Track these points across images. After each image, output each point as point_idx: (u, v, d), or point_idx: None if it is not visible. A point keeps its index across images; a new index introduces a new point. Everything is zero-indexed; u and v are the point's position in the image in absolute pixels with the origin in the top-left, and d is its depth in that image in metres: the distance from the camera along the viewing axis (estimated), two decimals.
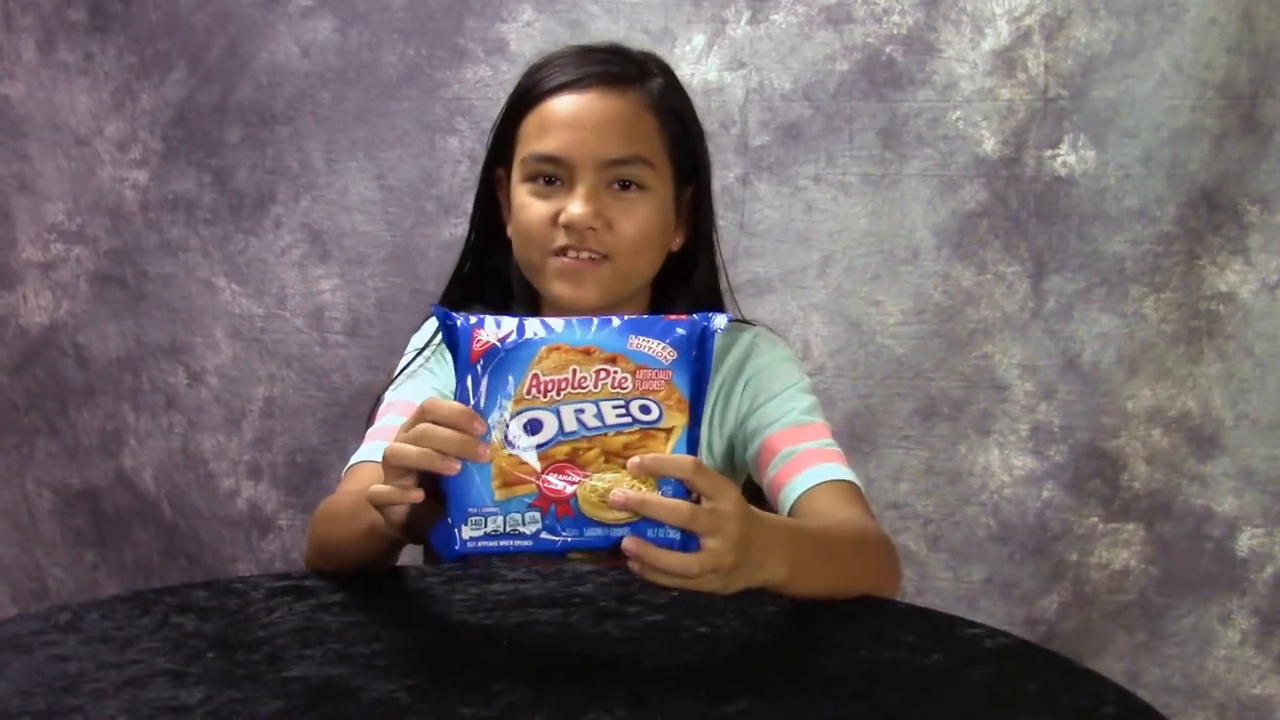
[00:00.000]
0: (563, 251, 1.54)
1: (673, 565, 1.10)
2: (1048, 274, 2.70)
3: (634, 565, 1.10)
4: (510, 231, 1.62)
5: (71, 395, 3.28)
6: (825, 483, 1.52)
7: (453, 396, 1.63)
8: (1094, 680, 1.11)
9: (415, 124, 3.00)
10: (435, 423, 1.13)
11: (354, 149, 3.05)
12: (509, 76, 2.91)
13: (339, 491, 1.53)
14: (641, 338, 1.14)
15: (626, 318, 1.17)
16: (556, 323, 1.15)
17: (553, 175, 1.55)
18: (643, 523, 1.09)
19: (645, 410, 1.12)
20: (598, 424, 1.11)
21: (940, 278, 2.75)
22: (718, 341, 1.67)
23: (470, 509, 1.09)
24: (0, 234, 3.24)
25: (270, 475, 3.20)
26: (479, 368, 1.13)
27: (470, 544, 1.09)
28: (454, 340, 1.16)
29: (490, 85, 2.93)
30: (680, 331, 1.17)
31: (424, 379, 1.64)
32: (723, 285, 1.70)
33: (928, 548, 2.81)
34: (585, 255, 1.53)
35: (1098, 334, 2.68)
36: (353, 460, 1.58)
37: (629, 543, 1.09)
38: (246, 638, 1.21)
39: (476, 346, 1.13)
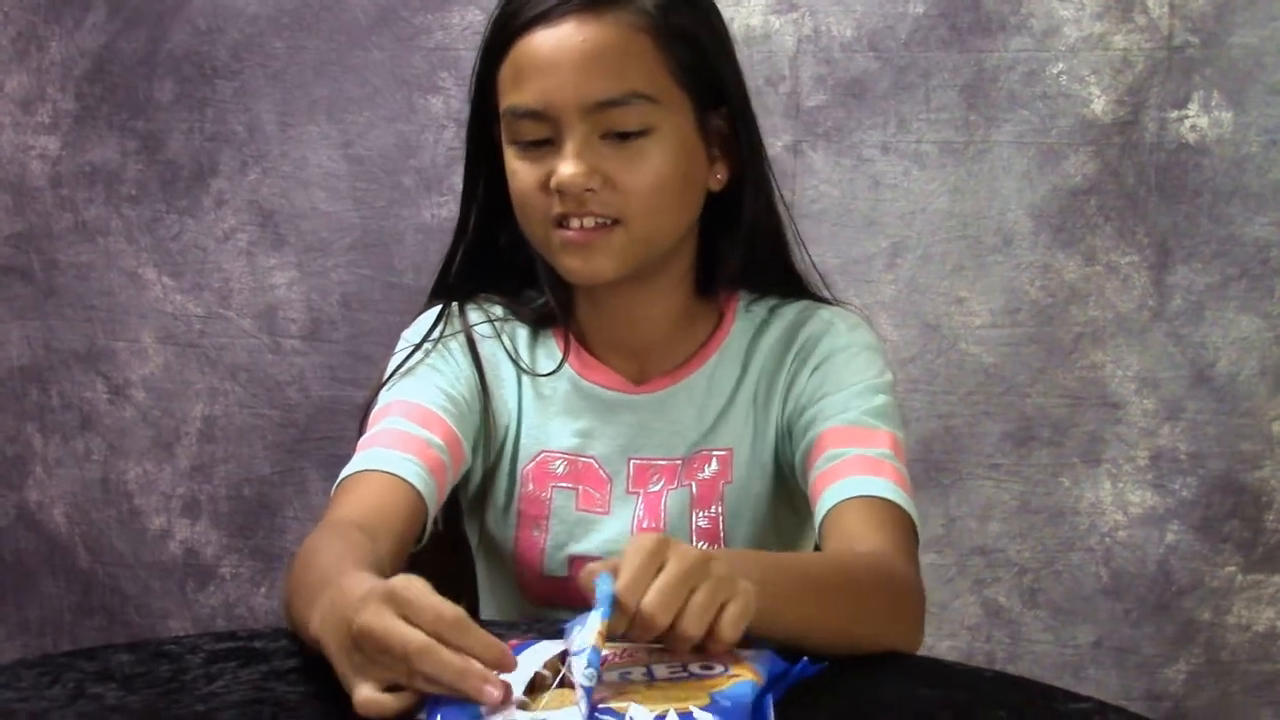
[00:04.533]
0: (563, 221, 1.56)
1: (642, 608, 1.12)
2: (1173, 265, 2.69)
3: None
4: None
5: None
6: (859, 498, 1.52)
7: (461, 398, 1.64)
8: None
9: (389, 80, 3.01)
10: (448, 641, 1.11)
11: (313, 110, 3.06)
12: None
13: (327, 523, 1.52)
14: None
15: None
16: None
17: (536, 137, 1.55)
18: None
19: (707, 667, 1.14)
20: (644, 679, 1.13)
21: (1038, 270, 2.74)
22: (791, 315, 1.69)
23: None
24: None
25: (210, 512, 3.21)
26: None
27: None
28: None
29: (480, 32, 2.93)
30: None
31: (426, 376, 1.64)
32: (789, 235, 1.71)
33: (1022, 603, 2.81)
34: (590, 223, 1.55)
35: (1235, 339, 2.68)
36: (346, 472, 1.58)
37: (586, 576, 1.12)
38: (180, 712, 1.20)
39: None
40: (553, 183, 1.53)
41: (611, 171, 1.54)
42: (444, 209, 2.99)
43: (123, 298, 3.20)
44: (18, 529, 3.32)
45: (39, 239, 3.23)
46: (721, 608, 1.14)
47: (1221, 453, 2.70)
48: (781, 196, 1.69)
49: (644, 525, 1.64)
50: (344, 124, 3.04)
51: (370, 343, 3.06)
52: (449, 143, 2.96)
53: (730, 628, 1.14)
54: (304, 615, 1.31)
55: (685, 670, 1.14)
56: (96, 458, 3.26)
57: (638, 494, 1.65)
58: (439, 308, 1.70)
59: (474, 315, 1.70)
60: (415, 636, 1.09)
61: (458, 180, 2.94)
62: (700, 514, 1.65)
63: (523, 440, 1.67)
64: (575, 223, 1.54)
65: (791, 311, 1.70)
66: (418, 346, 1.67)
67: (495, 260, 1.71)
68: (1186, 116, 2.67)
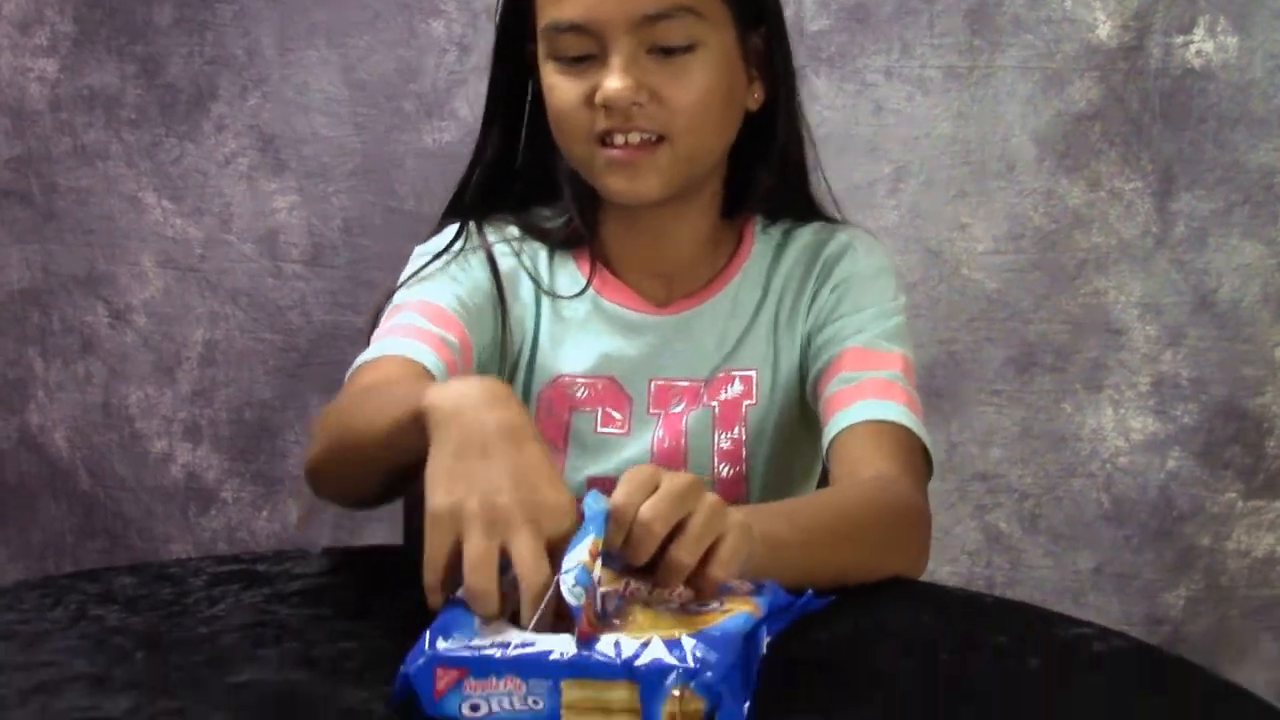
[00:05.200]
0: (607, 138, 1.54)
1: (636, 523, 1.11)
2: (1176, 191, 2.69)
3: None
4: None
5: None
6: (868, 423, 1.53)
7: (476, 307, 1.61)
8: (1232, 694, 1.11)
9: (390, 3, 2.99)
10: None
11: (314, 34, 3.05)
12: None
13: (346, 393, 1.50)
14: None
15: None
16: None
17: (579, 52, 1.54)
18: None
19: (704, 605, 1.13)
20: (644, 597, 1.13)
21: (1041, 195, 2.74)
22: (808, 237, 1.69)
23: (455, 634, 1.08)
24: None
25: (211, 436, 3.21)
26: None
27: (441, 656, 1.07)
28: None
29: None
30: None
31: (443, 283, 1.63)
32: (810, 160, 1.70)
33: (1023, 529, 2.81)
34: (636, 139, 1.53)
35: (1238, 265, 2.67)
36: (360, 360, 1.57)
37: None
38: (184, 635, 1.21)
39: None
40: (598, 98, 1.51)
41: (657, 86, 1.52)
42: (445, 134, 2.98)
43: (123, 222, 3.19)
44: (19, 452, 3.32)
45: (38, 162, 3.22)
46: (715, 543, 1.13)
47: (1223, 379, 2.70)
48: (805, 120, 1.69)
49: (664, 446, 1.64)
50: (344, 48, 3.03)
51: (371, 268, 3.06)
52: (450, 67, 2.94)
53: (721, 566, 1.13)
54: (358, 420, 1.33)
55: (683, 606, 1.13)
56: (97, 382, 3.26)
57: (658, 415, 1.65)
58: (456, 225, 1.68)
59: (491, 234, 1.68)
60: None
61: (459, 105, 2.94)
62: (722, 435, 1.65)
63: (539, 362, 1.66)
64: (620, 139, 1.53)
65: (808, 233, 1.70)
66: (436, 256, 1.65)
67: (513, 181, 1.70)
68: (1191, 42, 2.65)
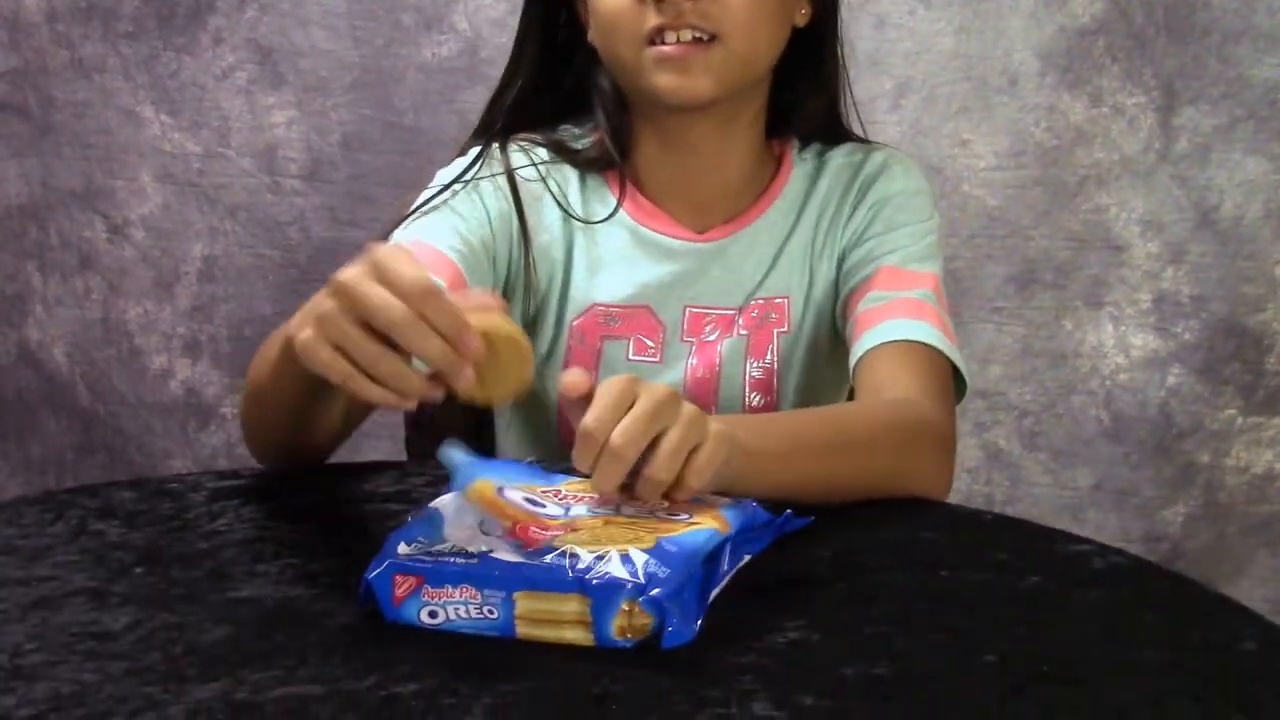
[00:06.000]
0: (658, 37, 1.50)
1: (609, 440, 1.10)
2: (1179, 106, 2.67)
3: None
4: (591, 34, 1.60)
5: None
6: (896, 343, 1.53)
7: (480, 243, 1.57)
8: (1229, 609, 1.11)
9: None
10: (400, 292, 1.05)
11: None
12: None
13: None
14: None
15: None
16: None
17: None
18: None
19: (674, 514, 1.13)
20: (607, 513, 1.12)
21: (1044, 111, 2.73)
22: (842, 158, 1.67)
23: (418, 538, 1.08)
24: None
25: (211, 352, 3.21)
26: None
27: (400, 563, 1.07)
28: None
29: None
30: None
31: (444, 218, 1.59)
32: (843, 82, 1.70)
33: (1023, 445, 2.82)
34: (688, 37, 1.50)
35: (1241, 181, 2.66)
36: None
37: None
38: (184, 550, 1.21)
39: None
40: None
41: None
42: (443, 47, 2.96)
43: (120, 136, 3.18)
44: (18, 367, 3.33)
45: (35, 75, 3.20)
46: (692, 452, 1.11)
47: (1224, 296, 2.70)
48: (843, 41, 1.67)
49: (697, 374, 1.63)
50: None
51: (370, 183, 3.05)
52: None
53: (696, 474, 1.11)
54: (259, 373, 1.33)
55: (651, 512, 1.13)
56: (96, 297, 3.25)
57: (692, 342, 1.63)
58: (478, 148, 1.65)
59: (518, 158, 1.64)
60: (397, 305, 1.04)
61: (458, 19, 2.92)
62: (754, 364, 1.64)
63: (572, 292, 1.63)
64: (672, 36, 1.50)
65: (841, 155, 1.69)
66: (448, 185, 1.61)
67: (544, 100, 1.68)
68: None
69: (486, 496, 1.08)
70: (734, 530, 1.12)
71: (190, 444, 3.25)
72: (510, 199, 1.61)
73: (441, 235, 1.56)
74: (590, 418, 1.09)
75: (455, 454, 1.12)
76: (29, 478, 3.35)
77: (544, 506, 1.11)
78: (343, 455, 1.44)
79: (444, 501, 1.12)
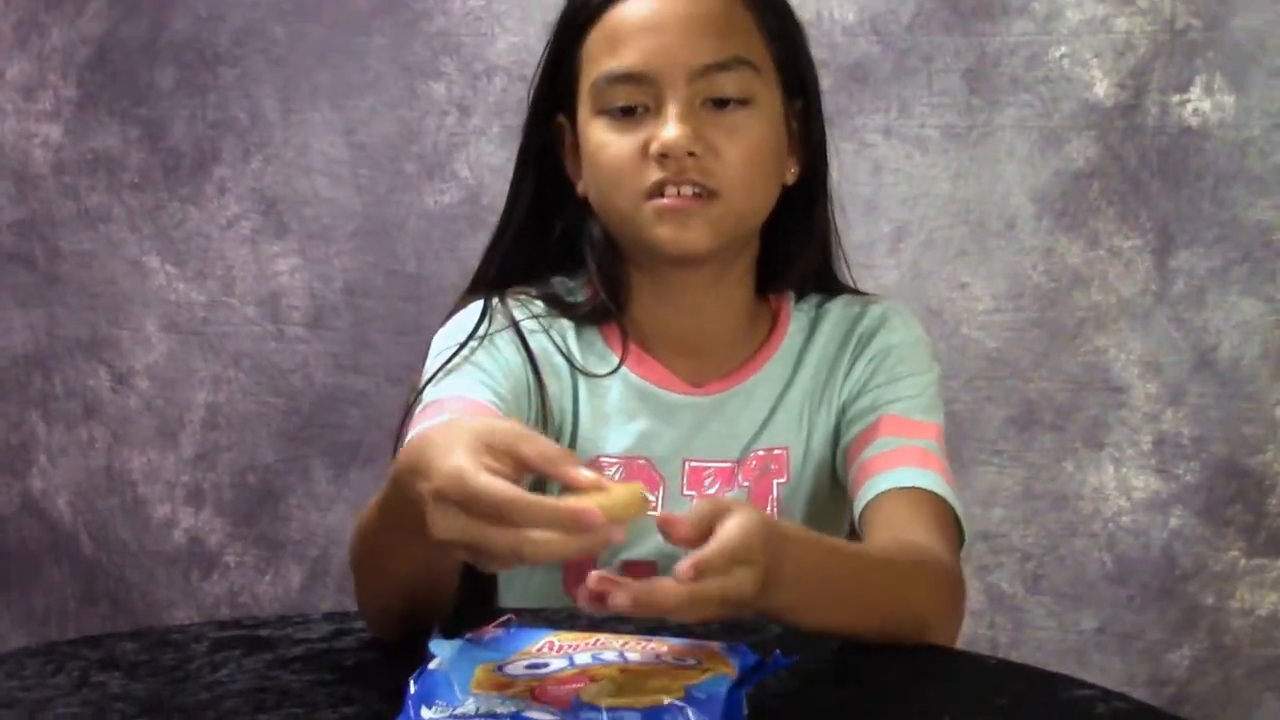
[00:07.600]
0: (658, 191, 1.52)
1: (677, 599, 1.08)
2: (1175, 249, 2.69)
3: (620, 600, 1.07)
4: (583, 187, 1.60)
5: None
6: (906, 489, 1.53)
7: (511, 396, 1.54)
8: None
9: (391, 66, 3.01)
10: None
11: (315, 97, 3.06)
12: (505, 6, 2.92)
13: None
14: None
15: None
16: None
17: (632, 102, 1.53)
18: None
19: (680, 659, 1.12)
20: (617, 661, 1.11)
21: (1041, 254, 2.74)
22: (840, 311, 1.67)
23: (438, 700, 1.08)
24: None
25: (215, 500, 3.21)
26: None
27: None
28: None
29: (482, 18, 2.94)
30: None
31: (472, 374, 1.57)
32: (832, 238, 1.71)
33: (1025, 589, 2.81)
34: (689, 191, 1.51)
35: (1238, 323, 2.67)
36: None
37: (594, 582, 1.07)
38: (186, 701, 1.21)
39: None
40: (654, 147, 1.50)
41: (712, 139, 1.51)
42: (446, 195, 2.99)
43: (126, 285, 3.20)
44: (22, 517, 3.32)
45: (41, 226, 3.23)
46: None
47: (1224, 437, 2.70)
48: (834, 196, 1.69)
49: None
50: (346, 110, 3.04)
51: (373, 330, 3.06)
52: (451, 129, 2.96)
53: (693, 613, 1.10)
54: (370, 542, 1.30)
55: (657, 658, 1.12)
56: (100, 446, 3.26)
57: (693, 496, 1.62)
58: (479, 303, 1.63)
59: (517, 311, 1.63)
60: (508, 540, 1.03)
61: (460, 167, 2.95)
62: None
63: (579, 444, 1.61)
64: (673, 190, 1.51)
65: (838, 306, 1.69)
66: (464, 344, 1.59)
67: (536, 254, 1.68)
68: (1189, 100, 2.66)
69: (493, 682, 1.07)
70: (738, 673, 1.12)
71: (193, 593, 3.24)
72: (521, 350, 1.60)
73: (474, 389, 1.54)
74: (703, 563, 1.08)
75: (442, 647, 1.11)
76: (32, 628, 3.34)
77: (547, 665, 1.11)
78: (345, 602, 1.43)
79: (445, 654, 1.11)
